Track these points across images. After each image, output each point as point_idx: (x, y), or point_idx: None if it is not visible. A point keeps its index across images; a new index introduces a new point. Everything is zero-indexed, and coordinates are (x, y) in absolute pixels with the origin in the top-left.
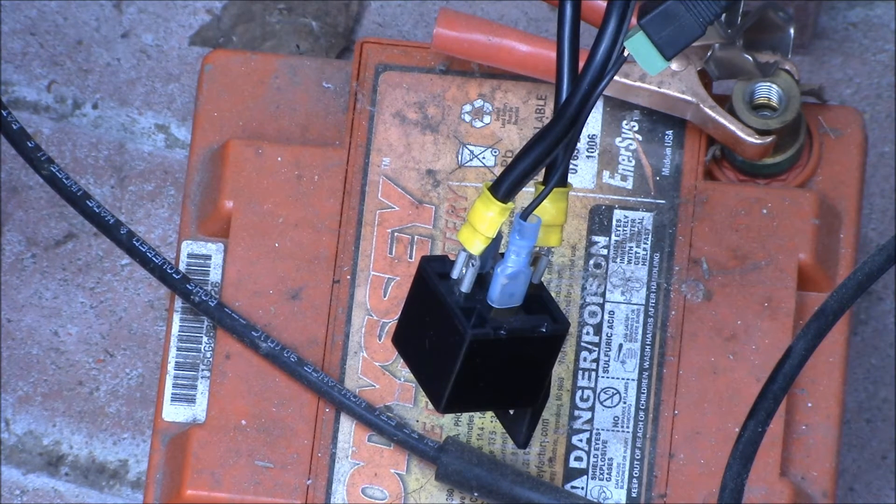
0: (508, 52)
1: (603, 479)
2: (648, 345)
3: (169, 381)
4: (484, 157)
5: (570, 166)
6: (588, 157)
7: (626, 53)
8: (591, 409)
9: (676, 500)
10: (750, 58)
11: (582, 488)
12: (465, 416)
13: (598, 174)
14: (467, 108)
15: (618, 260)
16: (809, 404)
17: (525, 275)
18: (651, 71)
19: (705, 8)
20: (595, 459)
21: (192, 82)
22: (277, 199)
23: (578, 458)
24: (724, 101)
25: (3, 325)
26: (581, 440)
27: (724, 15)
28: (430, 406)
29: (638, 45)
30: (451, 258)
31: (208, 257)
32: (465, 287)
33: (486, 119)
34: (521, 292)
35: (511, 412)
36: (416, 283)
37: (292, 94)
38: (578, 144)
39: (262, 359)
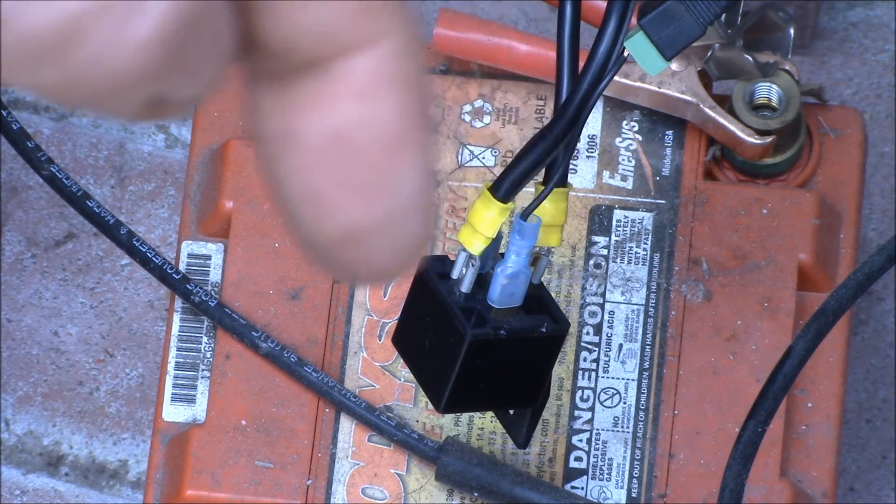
0: (508, 52)
1: (603, 480)
2: (648, 345)
3: (169, 381)
4: (484, 157)
5: (570, 166)
6: (588, 157)
7: (626, 53)
8: (591, 409)
9: (676, 500)
10: (750, 58)
11: (582, 488)
12: (465, 416)
13: (598, 174)
14: (467, 108)
15: (618, 260)
16: (809, 404)
17: (525, 275)
18: (651, 71)
19: (705, 8)
20: (595, 459)
21: None
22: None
23: (578, 459)
24: (724, 101)
25: (3, 325)
26: (581, 440)
27: (724, 15)
28: (430, 406)
29: (638, 45)
30: (451, 258)
31: (208, 257)
32: (466, 287)
33: (486, 119)
34: (521, 292)
35: (511, 412)
36: (416, 284)
37: None
38: (578, 144)
39: (262, 359)
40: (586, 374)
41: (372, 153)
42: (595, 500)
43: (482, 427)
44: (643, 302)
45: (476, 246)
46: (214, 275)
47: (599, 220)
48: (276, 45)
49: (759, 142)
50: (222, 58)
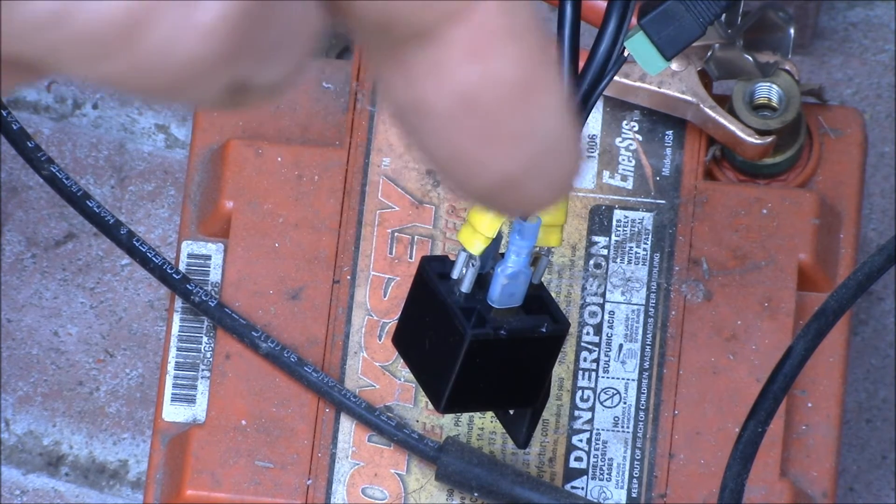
0: None
1: (603, 480)
2: (648, 345)
3: (169, 381)
4: None
5: None
6: (588, 157)
7: (626, 53)
8: (592, 409)
9: (676, 500)
10: (750, 58)
11: (582, 488)
12: (465, 416)
13: (598, 174)
14: None
15: (618, 260)
16: (809, 404)
17: (525, 275)
18: (651, 71)
19: (705, 8)
20: (595, 459)
21: None
22: (277, 199)
23: (578, 459)
24: (724, 101)
25: (3, 325)
26: (581, 440)
27: (724, 15)
28: (430, 406)
29: (638, 45)
30: (451, 258)
31: (208, 257)
32: (466, 287)
33: None
34: (522, 292)
35: (511, 412)
36: (416, 284)
37: (292, 94)
38: None
39: (262, 359)
40: (586, 374)
41: (503, 107)
42: (595, 500)
43: (482, 427)
44: (643, 302)
45: (476, 246)
46: (214, 275)
47: (599, 220)
48: (376, 22)
49: (759, 142)
50: (306, 40)
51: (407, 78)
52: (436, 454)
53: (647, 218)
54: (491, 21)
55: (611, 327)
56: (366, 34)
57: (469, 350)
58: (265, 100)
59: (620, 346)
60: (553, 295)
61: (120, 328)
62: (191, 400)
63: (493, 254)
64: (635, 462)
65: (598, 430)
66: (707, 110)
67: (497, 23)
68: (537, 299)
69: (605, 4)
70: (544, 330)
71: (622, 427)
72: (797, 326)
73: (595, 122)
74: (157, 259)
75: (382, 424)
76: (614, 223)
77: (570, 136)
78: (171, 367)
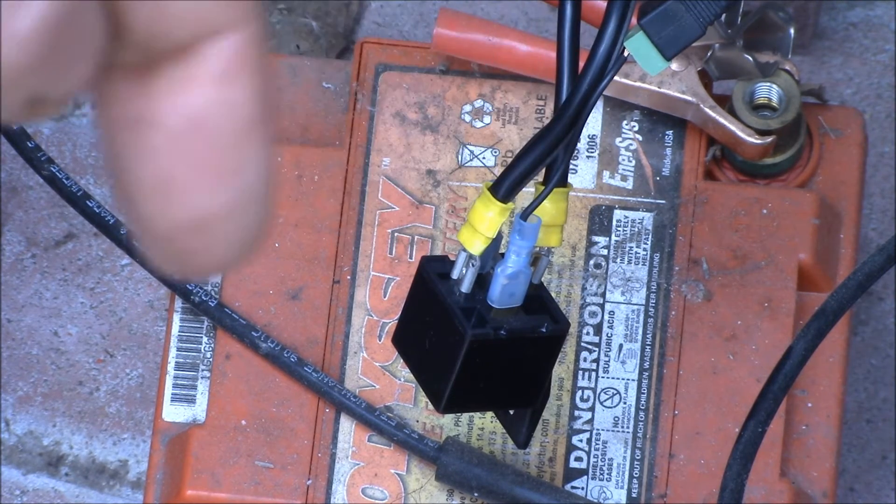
0: (508, 52)
1: (603, 480)
2: (648, 345)
3: (169, 381)
4: (484, 157)
5: (570, 166)
6: (588, 157)
7: (626, 53)
8: (592, 409)
9: (676, 500)
10: (750, 58)
11: (582, 488)
12: (465, 416)
13: (598, 174)
14: (467, 108)
15: (618, 260)
16: (809, 404)
17: (525, 275)
18: (651, 71)
19: (705, 8)
20: (595, 460)
21: None
22: (277, 199)
23: (578, 459)
24: (724, 101)
25: (3, 325)
26: (581, 440)
27: (724, 15)
28: (430, 406)
29: (638, 45)
30: (451, 258)
31: None
32: (466, 287)
33: (487, 119)
34: (521, 292)
35: (511, 412)
36: (416, 284)
37: (292, 94)
38: (578, 144)
39: (262, 359)
40: (586, 374)
41: (225, 136)
42: (595, 500)
43: (482, 427)
44: (643, 302)
45: (476, 246)
46: None
47: (599, 220)
48: (143, 33)
49: (759, 142)
50: (94, 54)
51: (146, 92)
52: (436, 454)
53: (647, 218)
54: (243, 49)
55: (611, 327)
56: (125, 49)
57: (469, 350)
58: (52, 113)
59: (620, 346)
60: (553, 295)
61: (120, 328)
62: (191, 400)
63: (493, 254)
64: (635, 462)
65: (598, 430)
66: (707, 110)
67: (248, 52)
68: (537, 299)
69: (605, 4)
70: (544, 330)
71: (622, 427)
72: (797, 326)
73: (595, 122)
74: None
75: (382, 424)
76: (614, 223)
77: (268, 190)
78: (171, 367)
